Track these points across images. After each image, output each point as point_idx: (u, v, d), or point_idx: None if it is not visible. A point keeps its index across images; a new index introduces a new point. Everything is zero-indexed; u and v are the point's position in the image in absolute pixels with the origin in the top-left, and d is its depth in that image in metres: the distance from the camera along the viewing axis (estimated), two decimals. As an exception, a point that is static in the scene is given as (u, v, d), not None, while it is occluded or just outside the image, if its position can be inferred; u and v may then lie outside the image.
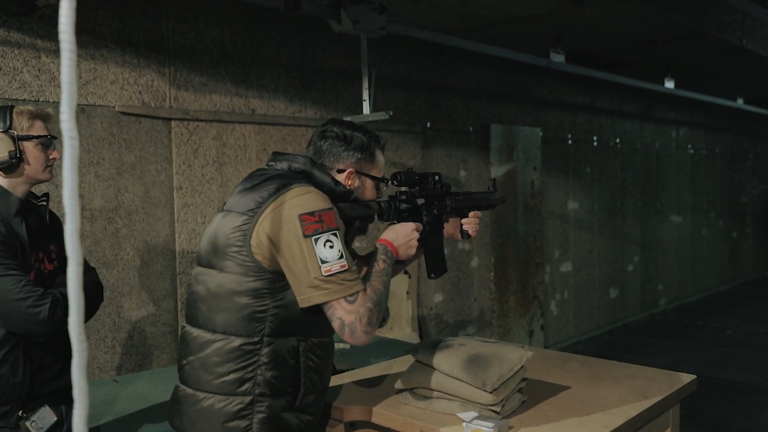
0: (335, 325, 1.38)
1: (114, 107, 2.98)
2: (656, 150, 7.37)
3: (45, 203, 1.85)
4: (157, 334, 3.12)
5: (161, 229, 3.14)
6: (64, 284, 1.68)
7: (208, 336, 1.42)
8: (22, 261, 1.67)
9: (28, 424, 1.66)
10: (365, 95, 3.45)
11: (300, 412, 1.47)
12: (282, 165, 1.55)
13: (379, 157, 1.63)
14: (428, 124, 4.58)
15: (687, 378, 1.91)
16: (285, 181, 1.45)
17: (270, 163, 1.58)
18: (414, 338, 4.10)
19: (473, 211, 1.86)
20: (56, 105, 2.80)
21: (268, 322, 1.40)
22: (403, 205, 1.69)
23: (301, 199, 1.40)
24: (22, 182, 1.73)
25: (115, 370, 2.97)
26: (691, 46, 4.94)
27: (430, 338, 2.02)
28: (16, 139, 1.68)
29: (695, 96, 6.59)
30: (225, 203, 1.54)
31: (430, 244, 1.74)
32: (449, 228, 1.84)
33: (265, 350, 1.40)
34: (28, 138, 1.71)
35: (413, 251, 1.61)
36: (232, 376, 1.39)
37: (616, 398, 1.73)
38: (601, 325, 6.45)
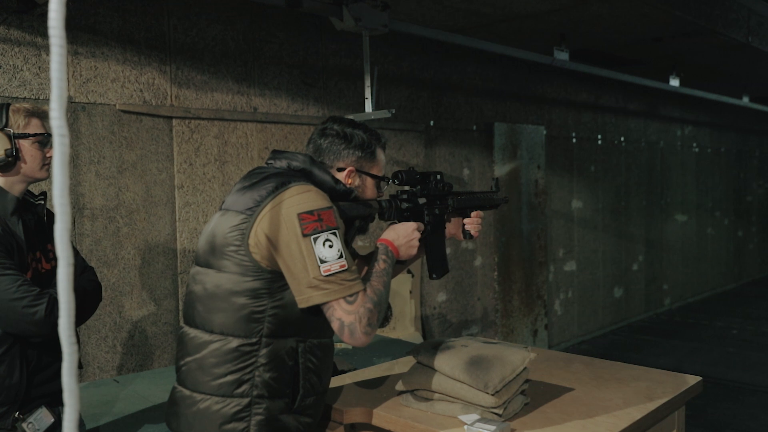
0: (334, 326, 1.35)
1: (115, 105, 2.96)
2: (661, 148, 7.32)
3: (42, 202, 1.83)
4: (158, 333, 3.11)
5: (162, 228, 3.13)
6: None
7: (206, 337, 1.40)
8: (18, 260, 1.66)
9: (24, 425, 1.65)
10: (367, 93, 3.43)
11: (299, 414, 1.44)
12: (281, 163, 1.53)
13: (380, 155, 1.61)
14: (431, 123, 4.55)
15: (693, 380, 1.89)
16: (284, 179, 1.43)
17: (269, 162, 1.56)
18: (417, 338, 4.08)
19: (475, 210, 1.83)
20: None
21: (266, 323, 1.38)
22: (404, 205, 1.67)
23: (300, 198, 1.38)
24: (18, 181, 1.72)
25: (115, 370, 2.96)
26: (696, 44, 4.90)
27: (432, 339, 1.99)
28: (13, 137, 1.67)
29: (701, 94, 6.54)
30: (223, 202, 1.51)
31: (432, 244, 1.72)
32: (451, 228, 1.82)
33: (263, 351, 1.38)
34: (25, 136, 1.69)
35: (414, 251, 1.59)
36: (229, 378, 1.37)
37: (621, 401, 1.71)
38: (606, 325, 6.41)
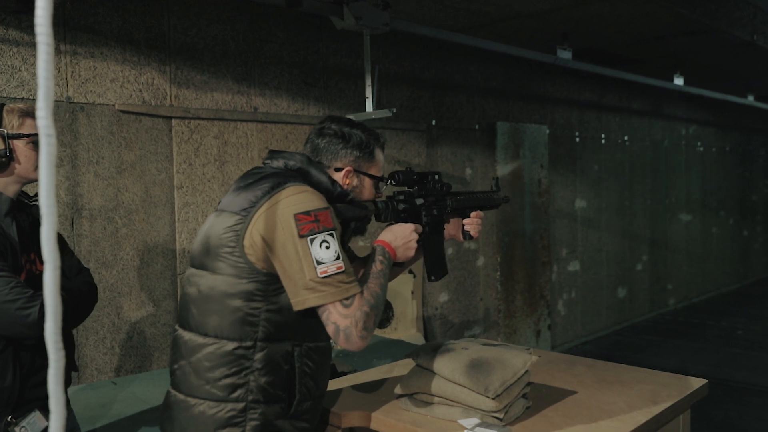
0: (330, 329, 1.32)
1: (114, 105, 2.94)
2: (665, 148, 7.28)
3: (37, 203, 1.81)
4: (157, 335, 3.09)
5: (161, 229, 3.11)
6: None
7: (200, 339, 1.38)
8: (12, 262, 1.63)
9: (17, 429, 1.62)
10: (368, 93, 3.40)
11: (295, 419, 1.42)
12: (278, 163, 1.50)
13: (379, 155, 1.58)
14: (433, 122, 4.52)
15: (698, 383, 1.85)
16: (280, 179, 1.40)
17: (266, 162, 1.54)
18: (419, 339, 4.05)
19: (475, 211, 1.80)
20: (54, 103, 2.77)
21: (261, 326, 1.35)
22: (401, 206, 1.63)
23: (297, 198, 1.35)
24: (12, 181, 1.69)
25: (114, 371, 2.94)
26: (701, 42, 4.86)
27: (432, 342, 1.96)
28: (6, 138, 1.64)
29: (705, 93, 6.50)
30: (220, 202, 1.49)
31: (430, 245, 1.69)
32: (450, 229, 1.79)
33: (258, 355, 1.35)
34: (19, 136, 1.67)
35: (412, 252, 1.56)
36: (224, 382, 1.34)
37: (625, 404, 1.68)
38: (609, 325, 6.37)
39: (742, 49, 5.12)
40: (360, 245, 3.76)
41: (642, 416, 1.59)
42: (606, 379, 1.88)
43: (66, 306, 1.70)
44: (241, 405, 1.34)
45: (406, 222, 1.60)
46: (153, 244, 3.07)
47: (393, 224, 1.58)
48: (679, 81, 5.90)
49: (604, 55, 5.32)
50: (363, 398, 1.77)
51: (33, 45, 2.72)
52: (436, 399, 1.61)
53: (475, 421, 1.53)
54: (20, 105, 1.71)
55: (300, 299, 1.32)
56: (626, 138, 6.60)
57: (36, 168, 1.72)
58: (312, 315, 1.35)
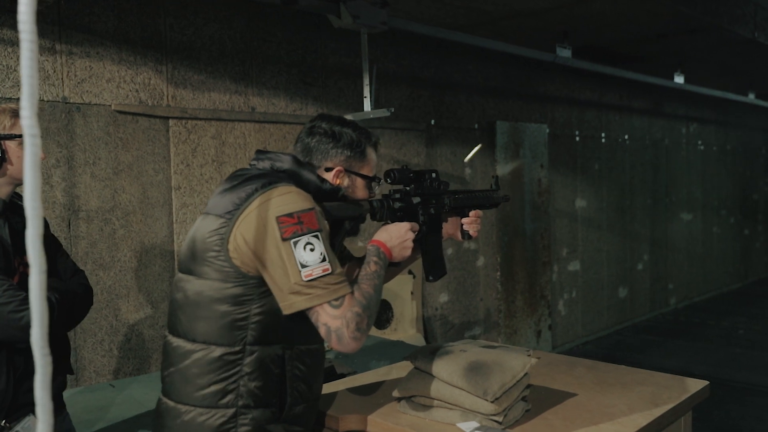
0: (321, 331, 1.30)
1: (110, 106, 2.92)
2: (666, 146, 7.25)
3: (31, 204, 1.78)
4: (155, 337, 3.07)
5: (159, 230, 3.08)
6: (50, 288, 1.62)
7: (189, 346, 1.35)
8: (4, 264, 1.62)
9: (11, 433, 1.61)
10: (366, 92, 3.38)
11: (288, 423, 1.39)
12: (264, 164, 1.46)
13: (371, 155, 1.54)
14: (432, 122, 4.50)
15: (699, 384, 1.83)
16: (265, 181, 1.37)
17: (252, 163, 1.50)
18: (418, 339, 4.03)
19: (474, 210, 1.77)
20: (49, 103, 2.75)
21: (250, 330, 1.32)
22: (397, 204, 1.60)
23: (280, 200, 1.32)
24: (5, 183, 1.68)
25: (112, 374, 2.92)
26: (701, 40, 4.84)
27: (430, 344, 1.94)
28: (-2, 138, 1.63)
29: (706, 91, 6.47)
30: (206, 204, 1.46)
31: (428, 245, 1.66)
32: (449, 228, 1.76)
33: (248, 360, 1.32)
34: (11, 137, 1.65)
35: (408, 252, 1.53)
36: (213, 388, 1.32)
37: (625, 406, 1.65)
38: (610, 325, 6.35)
39: (744, 46, 5.09)
40: (360, 245, 3.73)
41: (643, 419, 1.57)
42: (606, 381, 1.86)
43: (60, 308, 1.68)
44: (231, 411, 1.32)
45: (402, 221, 1.57)
46: (151, 246, 3.05)
47: (389, 223, 1.55)
48: (679, 79, 5.88)
49: (604, 54, 5.29)
50: (360, 401, 1.75)
51: (28, 45, 2.69)
52: (434, 402, 1.59)
53: (474, 424, 1.51)
54: (12, 105, 1.69)
55: (287, 303, 1.29)
56: (627, 137, 6.57)
57: (29, 169, 1.70)
58: (303, 317, 1.32)
